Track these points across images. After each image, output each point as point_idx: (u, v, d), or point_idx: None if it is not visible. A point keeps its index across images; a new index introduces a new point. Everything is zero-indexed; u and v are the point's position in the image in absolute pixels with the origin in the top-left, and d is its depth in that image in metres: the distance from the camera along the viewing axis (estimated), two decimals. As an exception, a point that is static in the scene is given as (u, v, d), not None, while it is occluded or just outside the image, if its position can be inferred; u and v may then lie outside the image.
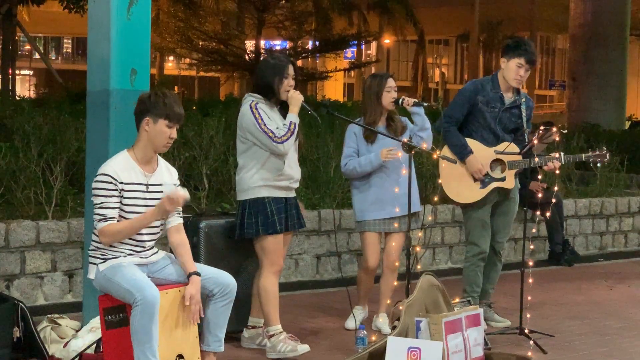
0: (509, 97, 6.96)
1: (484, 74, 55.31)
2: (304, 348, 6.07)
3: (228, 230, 6.31)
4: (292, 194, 6.25)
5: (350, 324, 6.90)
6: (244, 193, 6.10)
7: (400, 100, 6.70)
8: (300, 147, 6.33)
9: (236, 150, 6.19)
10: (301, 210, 6.36)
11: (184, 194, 5.12)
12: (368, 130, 6.72)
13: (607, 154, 6.91)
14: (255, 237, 6.11)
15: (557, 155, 6.85)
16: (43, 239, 7.49)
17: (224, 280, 5.29)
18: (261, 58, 6.26)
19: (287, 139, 5.95)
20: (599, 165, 7.09)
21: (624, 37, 22.18)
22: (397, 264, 6.82)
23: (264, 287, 6.13)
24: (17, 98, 17.97)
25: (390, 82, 6.78)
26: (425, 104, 6.80)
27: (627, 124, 24.17)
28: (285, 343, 6.05)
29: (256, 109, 5.99)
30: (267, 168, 6.04)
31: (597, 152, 6.93)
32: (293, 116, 6.04)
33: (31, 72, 61.04)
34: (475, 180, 6.91)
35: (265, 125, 5.95)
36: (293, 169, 6.18)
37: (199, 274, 5.17)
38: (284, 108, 6.14)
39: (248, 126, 5.99)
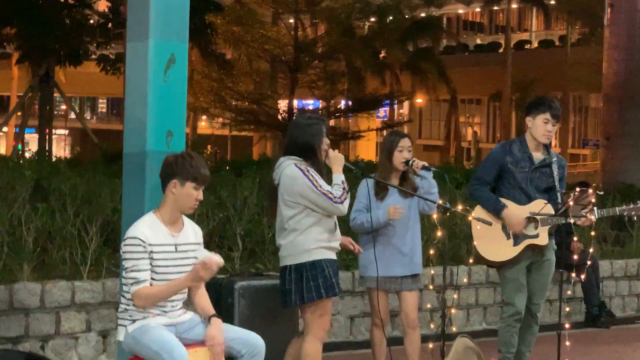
0: (538, 157, 6.94)
1: (516, 133, 55.24)
2: None
3: (267, 294, 6.23)
4: (336, 257, 6.15)
5: None
6: (299, 256, 5.92)
7: (410, 162, 6.73)
8: None
9: (274, 215, 6.06)
10: None
11: (218, 259, 5.09)
12: (379, 186, 6.72)
13: None
14: (313, 301, 5.95)
15: (590, 209, 6.80)
16: (78, 300, 7.51)
17: (253, 341, 5.26)
18: (294, 118, 6.22)
19: (345, 199, 5.89)
20: (635, 219, 7.03)
21: (658, 96, 22.09)
22: (416, 321, 6.78)
23: (309, 354, 5.98)
24: (54, 158, 18.14)
25: (404, 142, 6.79)
26: (434, 169, 6.82)
27: (662, 184, 23.95)
28: None
29: (308, 171, 5.88)
30: (323, 229, 5.95)
31: (632, 206, 6.88)
32: (341, 175, 5.97)
33: (66, 132, 61.72)
34: (508, 238, 6.87)
35: (321, 187, 5.85)
36: (338, 230, 6.13)
37: (220, 317, 5.17)
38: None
39: (303, 190, 5.85)
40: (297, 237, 5.93)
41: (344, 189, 5.90)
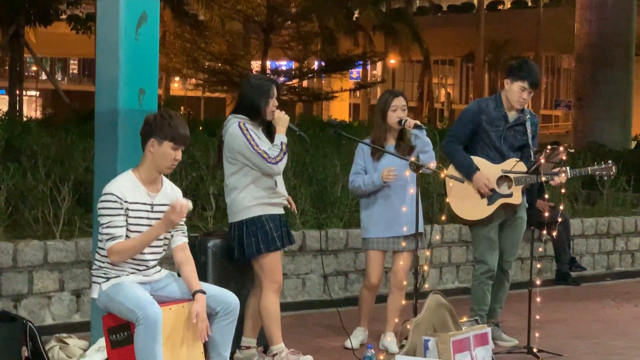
0: (512, 115, 6.98)
1: (489, 94, 55.33)
2: (306, 359, 6.10)
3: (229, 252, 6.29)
4: (282, 211, 6.24)
5: (351, 343, 6.89)
6: (239, 214, 6.06)
7: (403, 122, 6.71)
8: (287, 167, 6.34)
9: (217, 168, 6.17)
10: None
11: (186, 202, 5.11)
12: (375, 148, 6.74)
13: (614, 167, 6.90)
14: (255, 256, 6.08)
15: (563, 169, 6.85)
16: (51, 259, 7.50)
17: (227, 298, 5.29)
18: (244, 79, 6.27)
19: (281, 159, 5.97)
20: (605, 179, 7.08)
21: (630, 57, 22.22)
22: (404, 282, 6.82)
23: (265, 306, 6.11)
24: (25, 119, 18.01)
25: (397, 101, 6.77)
26: (426, 128, 6.81)
27: (633, 144, 24.16)
28: (288, 359, 6.06)
29: (247, 130, 5.98)
30: (260, 187, 6.03)
31: (604, 166, 6.93)
32: (282, 136, 6.05)
33: (37, 93, 61.21)
34: (482, 197, 6.92)
35: (258, 146, 5.94)
36: (283, 186, 6.21)
37: (204, 292, 5.18)
38: (266, 129, 6.15)
39: (240, 148, 5.97)
40: (237, 195, 6.05)
41: (281, 150, 5.99)
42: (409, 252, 6.78)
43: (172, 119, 5.18)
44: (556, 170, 6.94)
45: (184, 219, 5.26)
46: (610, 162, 6.98)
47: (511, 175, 6.88)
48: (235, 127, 6.01)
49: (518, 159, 6.90)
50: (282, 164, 5.99)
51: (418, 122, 6.74)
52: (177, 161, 5.22)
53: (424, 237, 6.87)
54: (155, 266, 5.29)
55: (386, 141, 6.78)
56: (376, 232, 6.79)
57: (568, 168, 6.88)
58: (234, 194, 6.07)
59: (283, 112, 6.11)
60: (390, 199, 6.76)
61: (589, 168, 7.02)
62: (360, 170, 6.81)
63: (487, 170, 6.90)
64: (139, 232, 5.11)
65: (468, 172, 6.90)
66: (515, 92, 6.89)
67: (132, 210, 5.10)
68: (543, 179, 6.82)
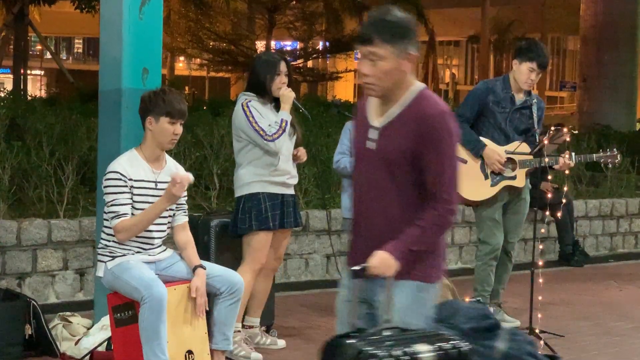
0: (519, 98, 6.96)
1: (494, 75, 55.11)
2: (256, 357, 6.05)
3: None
4: (290, 191, 6.20)
5: None
6: (239, 189, 6.10)
7: None
8: (299, 143, 6.30)
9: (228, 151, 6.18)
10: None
11: (186, 175, 5.12)
12: None
13: (618, 155, 6.91)
14: (245, 232, 6.06)
15: (567, 154, 6.85)
16: (55, 238, 7.52)
17: (232, 278, 5.31)
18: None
19: (278, 137, 5.94)
20: (609, 166, 7.08)
21: (635, 38, 22.13)
22: None
23: None
24: (29, 98, 18.00)
25: None
26: None
27: (638, 126, 24.12)
28: (240, 346, 6.01)
29: (247, 107, 5.98)
30: (261, 164, 6.04)
31: (609, 153, 6.93)
32: (284, 113, 6.02)
33: (42, 72, 61.14)
34: (486, 178, 6.92)
35: (256, 123, 5.95)
36: (289, 164, 6.17)
37: (204, 267, 5.21)
38: (278, 106, 6.10)
39: (241, 124, 6.01)
40: (240, 170, 6.10)
41: (280, 127, 5.96)
42: None
43: (166, 94, 5.20)
44: (561, 155, 6.92)
45: (186, 195, 5.27)
46: (615, 149, 6.99)
47: (516, 158, 6.88)
48: (239, 105, 6.05)
49: (522, 141, 6.90)
50: (279, 142, 5.95)
51: None
52: (177, 135, 5.22)
53: None
54: (160, 245, 5.31)
55: None
56: None
57: (573, 154, 6.89)
58: (238, 169, 6.12)
59: (289, 90, 6.08)
60: None
61: (594, 155, 7.03)
62: (345, 151, 6.75)
63: (494, 150, 6.89)
64: (144, 209, 5.12)
65: (477, 148, 6.88)
66: (524, 73, 6.87)
67: (136, 187, 5.12)
68: (546, 159, 6.81)
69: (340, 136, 6.89)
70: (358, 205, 3.80)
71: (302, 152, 6.27)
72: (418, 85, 3.70)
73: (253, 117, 5.96)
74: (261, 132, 5.93)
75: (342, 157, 6.78)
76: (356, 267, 3.65)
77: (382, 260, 3.57)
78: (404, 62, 3.61)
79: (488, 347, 4.76)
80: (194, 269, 5.20)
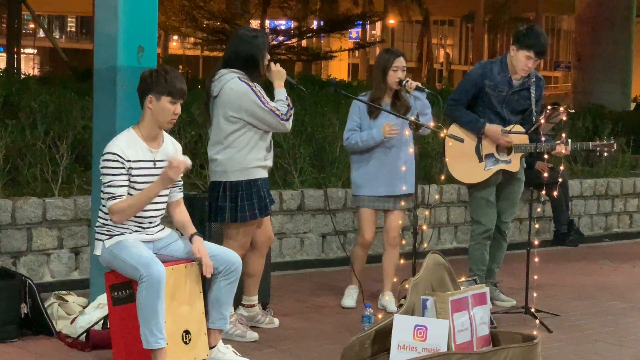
0: (517, 80, 6.90)
1: (488, 55, 55.15)
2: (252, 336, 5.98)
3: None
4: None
5: (347, 302, 6.92)
6: (236, 174, 5.81)
7: (404, 82, 6.66)
8: None
9: (212, 129, 5.89)
10: None
11: (184, 159, 5.10)
12: (372, 106, 6.70)
13: (615, 144, 6.89)
14: (247, 220, 5.86)
15: (564, 140, 6.81)
16: (49, 216, 7.50)
17: (230, 258, 5.29)
18: (236, 31, 6.00)
19: (291, 116, 5.84)
20: (605, 155, 7.05)
21: (630, 18, 22.12)
22: (397, 240, 6.83)
23: None
24: (23, 76, 17.94)
25: (399, 62, 6.69)
26: (427, 90, 6.75)
27: (633, 105, 24.11)
28: (235, 326, 5.94)
29: (255, 87, 5.75)
30: (259, 148, 5.85)
31: (605, 142, 6.91)
32: (284, 90, 5.86)
33: (35, 51, 60.94)
34: (480, 161, 6.90)
35: (268, 103, 5.73)
36: (273, 148, 6.06)
37: (200, 235, 5.21)
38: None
39: (249, 106, 5.71)
40: (236, 154, 5.80)
41: (288, 105, 5.83)
42: (400, 210, 6.80)
43: (168, 73, 5.15)
44: (557, 142, 6.89)
45: (182, 176, 5.25)
46: (612, 139, 6.96)
47: (512, 140, 6.84)
48: (240, 83, 5.76)
49: (517, 123, 6.87)
50: (291, 121, 5.86)
51: (419, 84, 6.69)
52: (176, 115, 5.19)
53: (413, 198, 6.87)
54: (158, 224, 5.29)
55: (383, 100, 6.74)
56: (372, 190, 6.76)
57: (570, 140, 6.86)
58: (230, 152, 5.80)
59: (278, 65, 5.93)
60: (384, 157, 6.73)
61: (590, 143, 7.00)
62: (355, 127, 6.75)
63: (495, 126, 6.86)
64: (143, 189, 5.10)
65: (477, 127, 6.84)
66: (521, 60, 6.81)
67: (134, 168, 5.09)
68: (543, 147, 6.77)
69: (349, 114, 6.86)
70: None
71: None
72: None
73: (264, 97, 5.73)
74: (277, 112, 5.72)
75: (352, 134, 6.75)
76: None
77: None
78: None
79: None
80: (191, 238, 5.20)
